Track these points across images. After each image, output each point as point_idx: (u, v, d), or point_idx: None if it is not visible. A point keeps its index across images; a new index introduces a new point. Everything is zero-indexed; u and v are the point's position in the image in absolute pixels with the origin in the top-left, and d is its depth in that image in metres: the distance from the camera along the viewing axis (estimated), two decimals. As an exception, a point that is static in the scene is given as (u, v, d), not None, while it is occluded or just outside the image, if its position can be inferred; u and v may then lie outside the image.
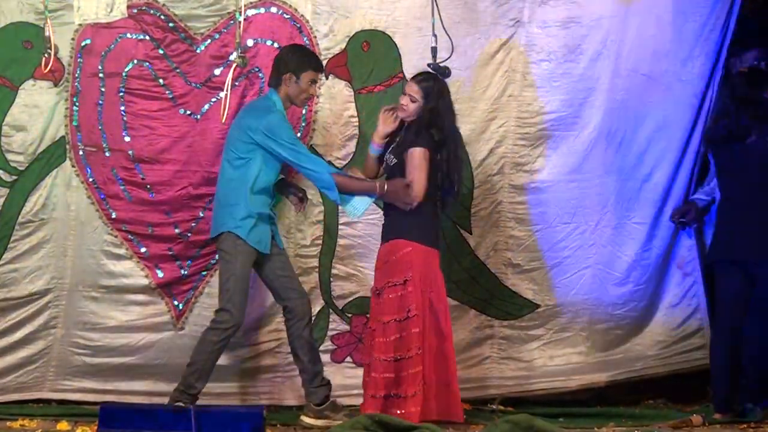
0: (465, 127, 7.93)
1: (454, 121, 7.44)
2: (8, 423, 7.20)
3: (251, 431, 6.63)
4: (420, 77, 7.44)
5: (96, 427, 6.61)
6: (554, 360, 8.22)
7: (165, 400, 7.57)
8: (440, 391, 7.32)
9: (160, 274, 7.83)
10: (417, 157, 7.28)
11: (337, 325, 8.04)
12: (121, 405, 7.35)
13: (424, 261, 7.33)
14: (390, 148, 7.49)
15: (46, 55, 7.05)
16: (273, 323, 7.97)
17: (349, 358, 8.04)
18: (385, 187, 7.33)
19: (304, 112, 7.90)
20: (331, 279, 8.02)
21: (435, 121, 7.33)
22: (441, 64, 7.48)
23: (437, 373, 7.32)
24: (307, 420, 7.45)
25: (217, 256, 7.65)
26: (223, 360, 7.69)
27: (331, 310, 8.03)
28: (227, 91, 6.96)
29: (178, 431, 6.58)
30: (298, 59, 7.41)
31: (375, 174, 7.56)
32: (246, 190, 7.33)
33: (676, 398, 8.28)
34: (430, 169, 7.29)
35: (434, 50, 7.54)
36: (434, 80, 7.41)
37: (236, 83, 7.68)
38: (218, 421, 6.64)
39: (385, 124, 7.49)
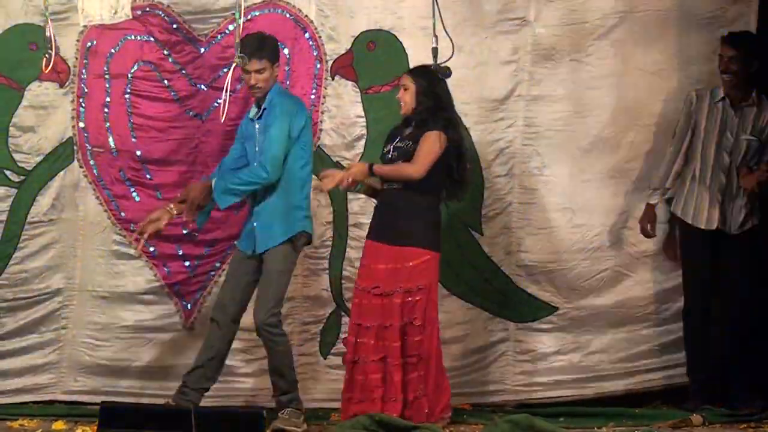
0: (473, 128, 7.90)
1: (453, 105, 7.36)
2: (8, 423, 7.24)
3: (251, 432, 6.64)
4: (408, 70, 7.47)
5: (96, 427, 6.60)
6: (570, 366, 8.09)
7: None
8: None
9: (169, 274, 7.87)
10: (430, 139, 7.13)
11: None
12: (121, 405, 7.32)
13: (437, 268, 7.27)
14: (394, 142, 7.33)
15: (47, 55, 7.11)
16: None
17: (360, 361, 8.01)
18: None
19: (310, 112, 7.91)
20: (342, 281, 7.98)
21: (437, 102, 7.23)
22: (442, 65, 7.42)
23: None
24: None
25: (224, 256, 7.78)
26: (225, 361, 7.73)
27: (342, 312, 7.97)
28: (227, 91, 6.96)
29: (178, 431, 6.58)
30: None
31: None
32: None
33: (676, 398, 8.15)
34: (441, 159, 7.17)
35: (435, 51, 7.47)
36: (424, 67, 7.38)
37: (239, 85, 7.64)
38: (218, 422, 6.58)
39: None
